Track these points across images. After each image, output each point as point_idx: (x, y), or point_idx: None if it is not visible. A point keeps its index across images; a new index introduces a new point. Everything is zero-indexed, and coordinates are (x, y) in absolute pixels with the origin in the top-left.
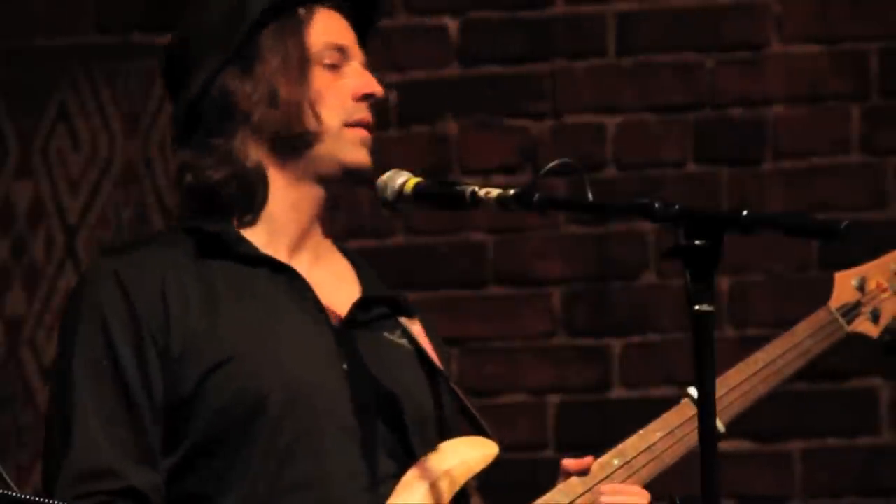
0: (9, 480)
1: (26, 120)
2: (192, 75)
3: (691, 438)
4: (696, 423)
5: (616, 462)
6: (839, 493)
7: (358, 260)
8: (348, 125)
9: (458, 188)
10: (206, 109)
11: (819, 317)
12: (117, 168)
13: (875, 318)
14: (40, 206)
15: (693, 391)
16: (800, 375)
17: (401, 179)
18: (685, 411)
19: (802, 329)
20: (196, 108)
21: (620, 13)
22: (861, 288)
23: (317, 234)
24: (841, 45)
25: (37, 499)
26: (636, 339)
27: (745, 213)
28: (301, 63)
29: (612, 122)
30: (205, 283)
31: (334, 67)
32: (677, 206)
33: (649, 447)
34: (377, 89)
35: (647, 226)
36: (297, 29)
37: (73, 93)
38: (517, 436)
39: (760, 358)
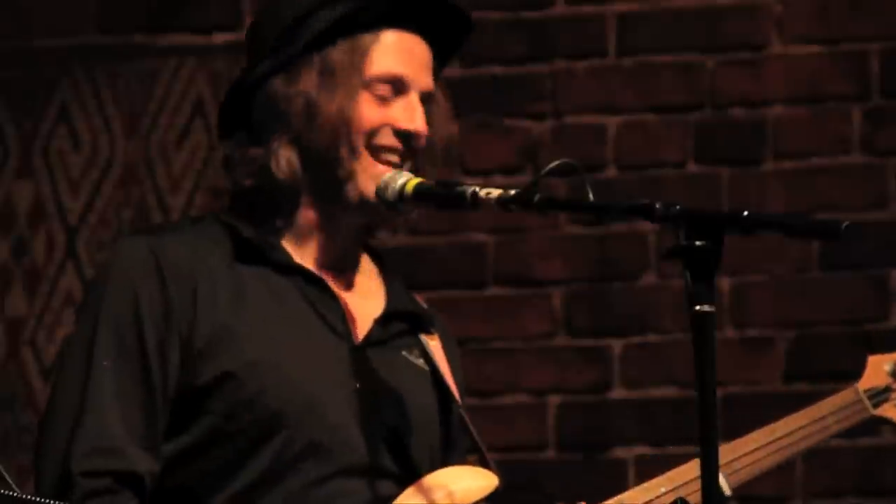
0: (9, 480)
1: (27, 120)
2: (247, 74)
3: (695, 498)
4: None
5: None
6: (840, 494)
7: (391, 271)
8: (376, 155)
9: (459, 189)
10: (252, 111)
11: (845, 396)
12: (118, 169)
13: None
14: (41, 206)
15: None
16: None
17: (401, 180)
18: (693, 470)
19: (827, 405)
20: (243, 108)
21: (620, 13)
22: (894, 374)
23: (347, 247)
24: (841, 45)
25: (37, 499)
26: (636, 339)
27: (745, 213)
28: (351, 87)
29: (612, 122)
30: (235, 285)
31: (383, 98)
32: (678, 207)
33: (651, 501)
34: (419, 127)
35: (647, 226)
36: (355, 52)
37: (73, 93)
38: (517, 436)
39: (779, 428)
